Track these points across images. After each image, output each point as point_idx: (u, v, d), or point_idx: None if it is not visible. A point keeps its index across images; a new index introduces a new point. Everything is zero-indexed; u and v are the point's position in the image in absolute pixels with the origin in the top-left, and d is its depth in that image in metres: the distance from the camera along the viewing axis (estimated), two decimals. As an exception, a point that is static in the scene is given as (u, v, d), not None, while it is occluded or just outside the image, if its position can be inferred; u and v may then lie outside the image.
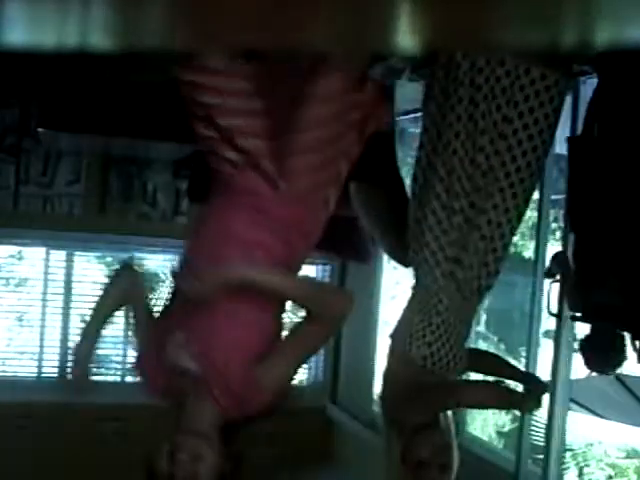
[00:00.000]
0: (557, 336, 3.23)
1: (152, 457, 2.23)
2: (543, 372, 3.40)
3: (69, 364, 2.23)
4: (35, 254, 5.31)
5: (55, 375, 5.29)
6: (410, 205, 2.67)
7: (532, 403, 2.71)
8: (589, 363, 2.87)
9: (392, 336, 2.68)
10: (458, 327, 2.59)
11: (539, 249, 3.45)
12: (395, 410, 2.61)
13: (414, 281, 2.69)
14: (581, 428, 6.30)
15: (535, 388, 2.76)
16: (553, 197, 3.45)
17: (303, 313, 2.27)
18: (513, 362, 3.56)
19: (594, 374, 2.99)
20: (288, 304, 2.38)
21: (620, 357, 2.81)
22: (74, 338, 5.34)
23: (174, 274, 2.36)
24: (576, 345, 3.11)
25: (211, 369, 2.17)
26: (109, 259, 5.77)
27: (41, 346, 5.25)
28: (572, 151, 2.73)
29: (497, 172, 2.48)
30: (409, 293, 2.71)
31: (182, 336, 2.21)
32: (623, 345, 2.76)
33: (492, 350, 4.84)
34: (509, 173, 2.48)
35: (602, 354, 2.82)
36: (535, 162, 2.51)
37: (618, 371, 3.08)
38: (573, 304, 2.83)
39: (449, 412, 2.66)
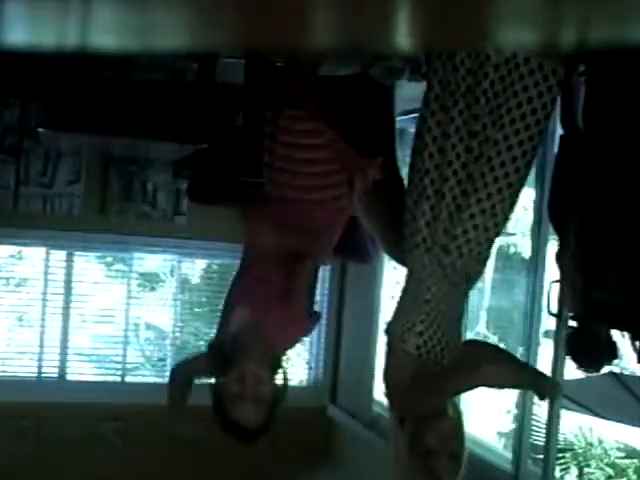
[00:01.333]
0: (557, 336, 3.23)
1: (220, 383, 2.66)
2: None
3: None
4: (35, 254, 5.31)
5: (55, 375, 5.29)
6: (406, 194, 2.68)
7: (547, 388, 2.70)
8: (577, 361, 2.87)
9: (387, 331, 2.68)
10: (448, 315, 2.58)
11: (539, 249, 3.45)
12: (402, 404, 2.61)
13: (406, 273, 2.70)
14: (581, 428, 6.30)
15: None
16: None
17: None
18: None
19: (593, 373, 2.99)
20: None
21: (608, 355, 2.81)
22: (74, 338, 5.36)
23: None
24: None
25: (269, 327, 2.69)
26: (109, 259, 5.78)
27: (41, 346, 5.25)
28: (565, 150, 2.74)
29: (492, 160, 2.48)
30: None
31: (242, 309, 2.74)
32: (611, 343, 2.76)
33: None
34: (504, 162, 2.48)
35: (590, 352, 2.82)
36: (531, 151, 2.51)
37: (618, 371, 3.09)
38: (571, 305, 2.83)
39: (458, 401, 2.67)
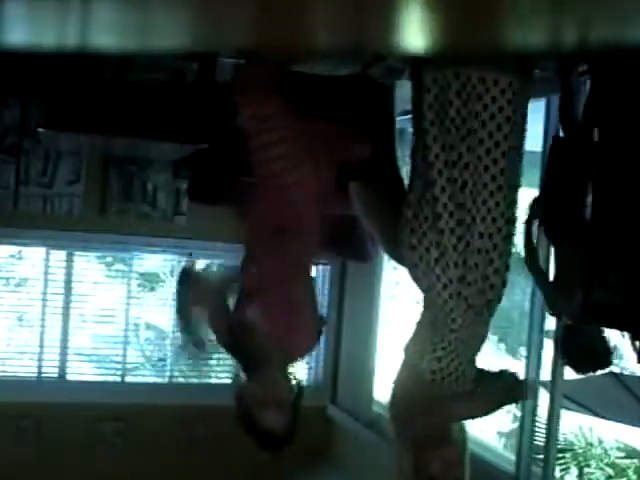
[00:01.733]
0: (557, 336, 3.23)
1: (241, 391, 2.70)
2: (543, 372, 3.40)
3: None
4: (35, 254, 5.31)
5: (55, 375, 5.29)
6: (403, 222, 2.67)
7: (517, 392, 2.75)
8: (571, 364, 2.87)
9: (405, 349, 2.67)
10: (470, 343, 2.59)
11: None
12: (405, 424, 2.61)
13: (423, 301, 2.67)
14: (581, 428, 6.30)
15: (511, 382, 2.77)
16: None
17: None
18: (513, 362, 3.55)
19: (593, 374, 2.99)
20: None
21: (603, 359, 2.81)
22: (74, 338, 5.36)
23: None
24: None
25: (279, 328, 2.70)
26: (109, 259, 5.78)
27: (41, 346, 5.24)
28: (559, 150, 2.74)
29: (475, 185, 2.48)
30: (410, 295, 2.72)
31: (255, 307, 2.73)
32: (607, 347, 2.76)
33: (492, 350, 4.83)
34: (486, 184, 2.49)
35: (584, 356, 2.81)
36: (509, 167, 2.51)
37: (618, 371, 3.09)
38: (560, 307, 2.83)
39: (463, 425, 2.67)
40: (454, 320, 2.53)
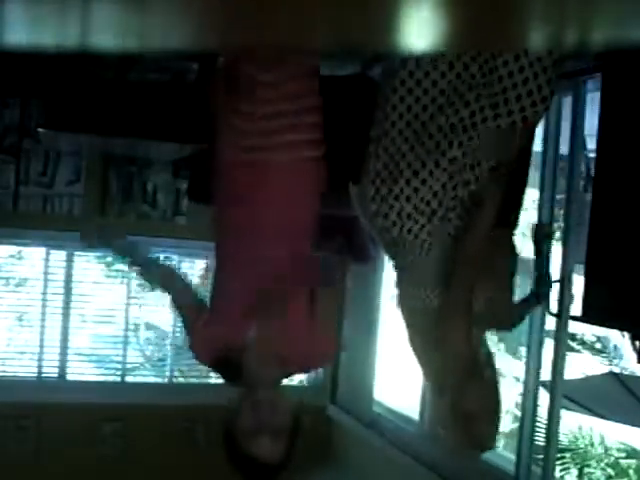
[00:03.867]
0: (557, 336, 3.24)
1: (232, 417, 2.36)
2: (543, 372, 3.40)
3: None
4: (35, 254, 5.31)
5: (55, 375, 5.29)
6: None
7: None
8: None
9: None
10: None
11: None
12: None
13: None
14: (581, 428, 6.30)
15: None
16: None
17: None
18: (513, 362, 3.55)
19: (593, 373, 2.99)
20: None
21: None
22: (74, 338, 5.36)
23: None
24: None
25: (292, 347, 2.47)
26: (109, 259, 5.78)
27: (41, 346, 5.25)
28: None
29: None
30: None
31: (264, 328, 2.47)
32: None
33: (492, 350, 4.83)
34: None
35: None
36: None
37: (618, 371, 3.08)
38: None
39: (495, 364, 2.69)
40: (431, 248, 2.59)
